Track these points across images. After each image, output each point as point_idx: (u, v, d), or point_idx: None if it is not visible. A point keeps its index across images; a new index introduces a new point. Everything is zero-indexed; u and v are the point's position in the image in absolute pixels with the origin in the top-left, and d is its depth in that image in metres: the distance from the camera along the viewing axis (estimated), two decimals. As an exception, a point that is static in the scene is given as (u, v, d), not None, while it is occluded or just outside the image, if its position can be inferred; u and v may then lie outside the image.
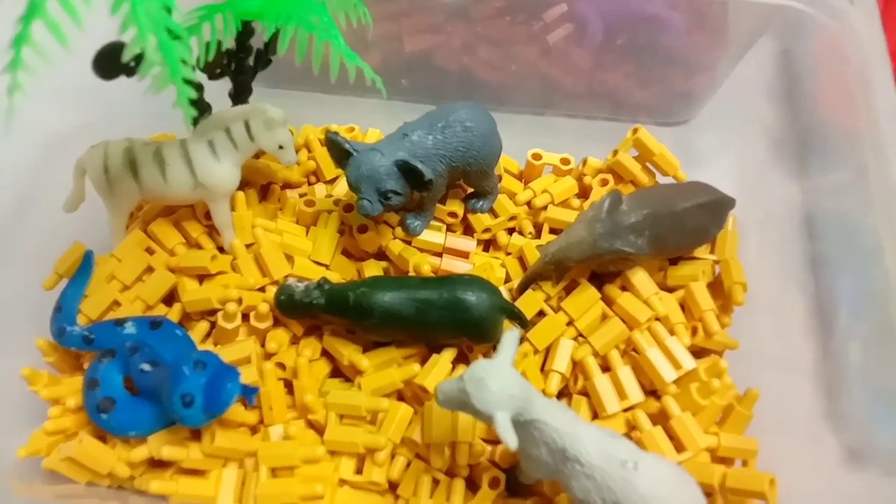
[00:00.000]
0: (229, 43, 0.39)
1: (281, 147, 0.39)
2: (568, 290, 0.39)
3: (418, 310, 0.35)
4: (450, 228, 0.44)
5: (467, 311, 0.35)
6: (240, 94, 0.42)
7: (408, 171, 0.37)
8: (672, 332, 0.38)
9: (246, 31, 0.39)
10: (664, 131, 0.50)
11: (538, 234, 0.44)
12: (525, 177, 0.46)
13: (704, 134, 0.50)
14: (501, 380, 0.28)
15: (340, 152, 0.38)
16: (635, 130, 0.44)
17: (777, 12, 0.41)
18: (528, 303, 0.39)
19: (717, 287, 0.41)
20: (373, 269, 0.41)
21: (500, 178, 0.45)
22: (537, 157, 0.45)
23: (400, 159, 0.37)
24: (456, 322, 0.35)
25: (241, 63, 0.41)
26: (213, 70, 0.39)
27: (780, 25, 0.41)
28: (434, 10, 0.47)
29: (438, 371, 0.36)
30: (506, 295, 0.40)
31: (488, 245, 0.44)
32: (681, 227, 0.38)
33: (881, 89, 0.34)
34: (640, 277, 0.39)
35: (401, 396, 0.38)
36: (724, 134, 0.48)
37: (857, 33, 0.35)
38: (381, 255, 0.43)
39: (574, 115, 0.51)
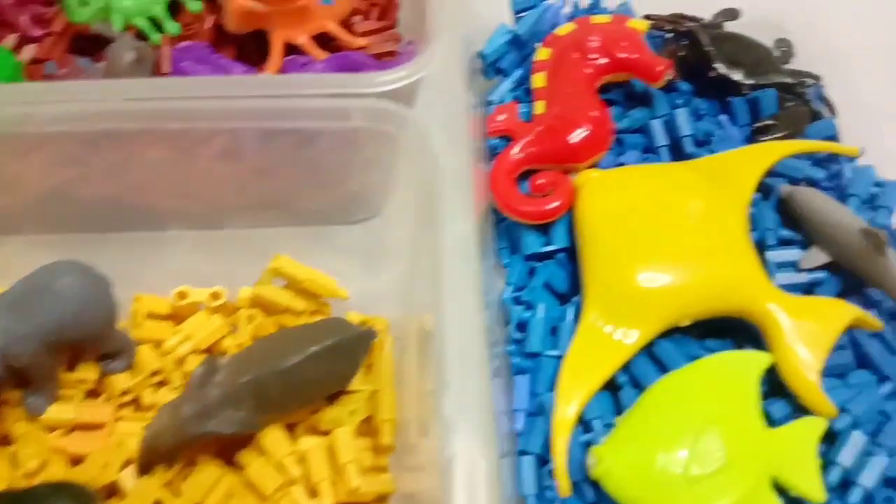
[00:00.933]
0: None
1: None
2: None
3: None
4: (93, 393, 0.39)
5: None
6: None
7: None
8: (315, 493, 0.35)
9: None
10: (350, 231, 0.47)
11: (191, 385, 0.39)
12: (177, 317, 0.41)
13: (390, 230, 0.46)
14: None
15: None
16: (276, 259, 0.40)
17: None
18: (141, 492, 0.34)
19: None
20: (-4, 460, 0.36)
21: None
22: (183, 295, 0.40)
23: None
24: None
25: None
26: None
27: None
28: (67, 140, 0.42)
29: None
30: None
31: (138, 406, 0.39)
32: (298, 383, 0.34)
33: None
34: (272, 437, 0.35)
35: None
36: (408, 228, 0.45)
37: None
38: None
39: (254, 226, 0.47)
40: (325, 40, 0.47)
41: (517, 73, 0.48)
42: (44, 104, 0.38)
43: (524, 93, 0.47)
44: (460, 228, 0.30)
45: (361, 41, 0.46)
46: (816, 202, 0.41)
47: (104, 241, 0.44)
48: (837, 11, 0.54)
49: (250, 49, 0.47)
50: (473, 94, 0.49)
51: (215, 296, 0.41)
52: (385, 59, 0.45)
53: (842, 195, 0.42)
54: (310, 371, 0.34)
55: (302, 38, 0.45)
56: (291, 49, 0.46)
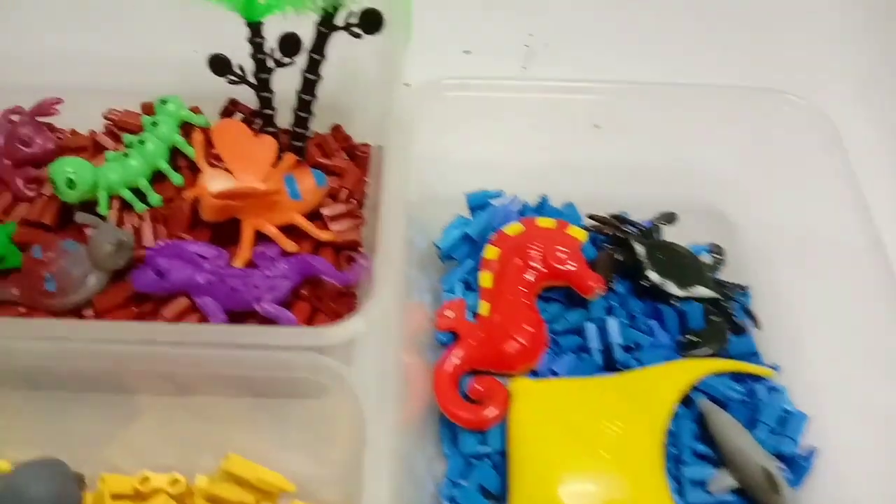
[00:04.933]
0: None
1: None
2: None
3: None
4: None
5: None
6: None
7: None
8: None
9: None
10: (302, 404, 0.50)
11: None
12: (139, 497, 0.45)
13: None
14: None
15: None
16: (228, 459, 0.44)
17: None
18: None
19: None
20: None
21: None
22: (145, 479, 0.44)
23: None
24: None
25: None
26: None
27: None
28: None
29: None
30: None
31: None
32: None
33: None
34: None
35: None
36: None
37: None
38: None
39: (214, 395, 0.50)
40: (295, 229, 0.51)
41: (469, 264, 0.52)
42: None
43: (474, 280, 0.51)
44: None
45: (326, 235, 0.50)
46: (726, 427, 0.44)
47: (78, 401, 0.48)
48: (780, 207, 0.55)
49: (225, 231, 0.51)
50: (428, 277, 0.53)
51: (174, 482, 0.45)
52: (343, 267, 0.50)
53: (753, 417, 0.46)
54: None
55: (271, 229, 0.49)
56: (262, 236, 0.50)
